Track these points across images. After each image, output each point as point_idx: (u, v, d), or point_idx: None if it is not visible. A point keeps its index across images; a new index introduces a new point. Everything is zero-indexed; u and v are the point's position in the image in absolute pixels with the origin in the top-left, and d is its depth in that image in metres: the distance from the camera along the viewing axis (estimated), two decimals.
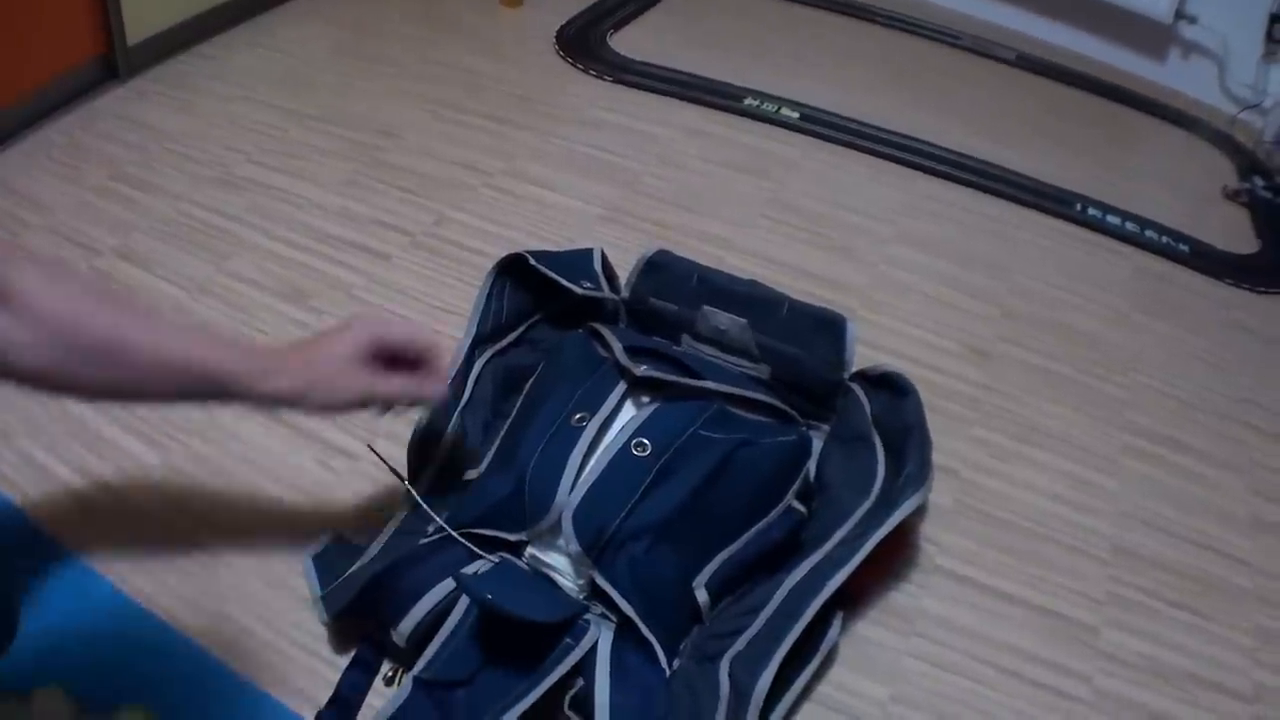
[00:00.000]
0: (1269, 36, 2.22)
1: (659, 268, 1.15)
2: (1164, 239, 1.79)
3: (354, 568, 0.90)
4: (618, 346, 0.99)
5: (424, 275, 1.43)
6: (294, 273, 1.42)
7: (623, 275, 1.19)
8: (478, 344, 1.04)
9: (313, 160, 1.66)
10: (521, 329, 1.09)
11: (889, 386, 1.07)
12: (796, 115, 1.92)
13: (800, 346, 1.10)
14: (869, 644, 1.02)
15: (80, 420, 1.15)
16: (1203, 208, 1.93)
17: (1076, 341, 1.48)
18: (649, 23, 2.27)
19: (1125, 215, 1.82)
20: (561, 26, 2.16)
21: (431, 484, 0.95)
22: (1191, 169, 2.09)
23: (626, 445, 0.90)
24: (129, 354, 0.73)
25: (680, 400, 0.95)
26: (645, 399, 0.97)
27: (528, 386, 1.05)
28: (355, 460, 1.12)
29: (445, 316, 1.35)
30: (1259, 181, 2.06)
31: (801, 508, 0.98)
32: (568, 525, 0.84)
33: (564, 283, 1.05)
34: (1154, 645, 1.07)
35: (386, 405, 0.84)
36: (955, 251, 1.63)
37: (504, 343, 1.06)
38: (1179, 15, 2.25)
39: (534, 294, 1.09)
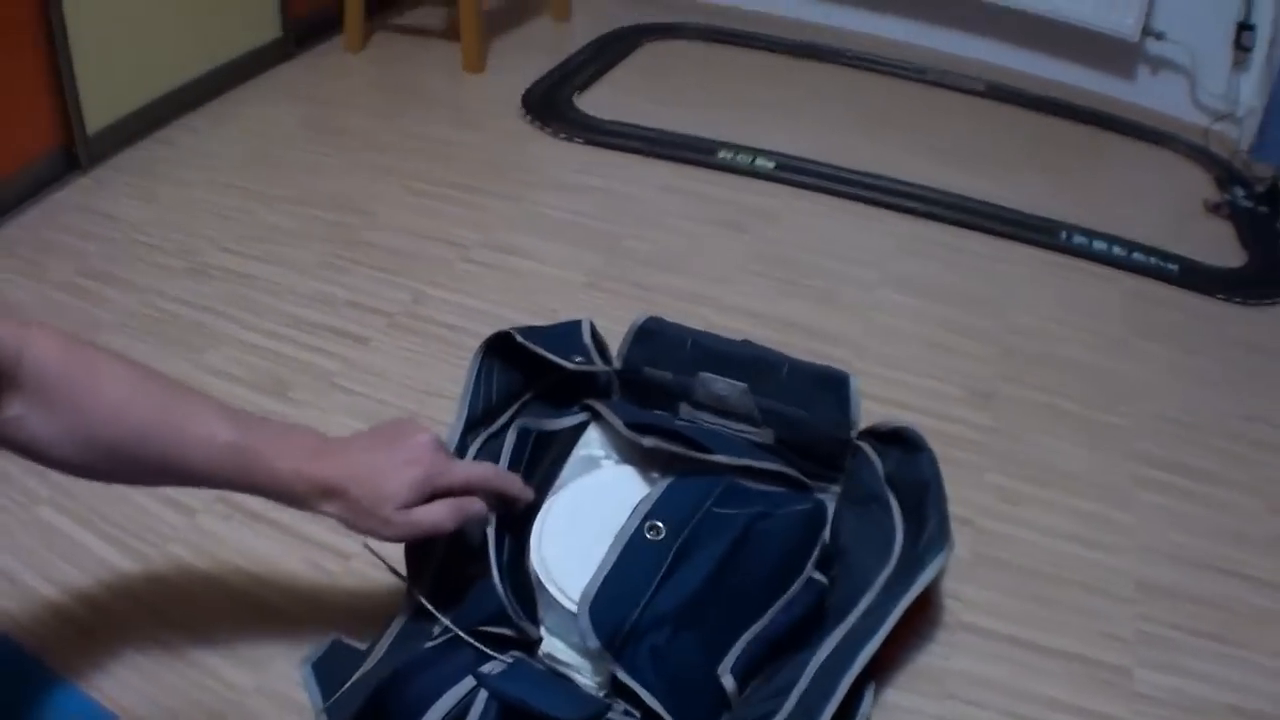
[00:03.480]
0: (1237, 44, 2.23)
1: (651, 335, 1.12)
2: (1151, 260, 1.78)
3: (357, 675, 0.86)
4: (618, 423, 0.96)
5: (405, 358, 1.39)
6: (272, 363, 1.38)
7: (612, 344, 1.16)
8: (469, 429, 1.00)
9: (284, 243, 1.63)
10: (514, 409, 1.05)
11: (900, 442, 1.04)
12: (772, 165, 1.90)
13: (803, 407, 1.07)
14: (901, 712, 0.98)
15: (52, 528, 1.11)
16: (1186, 224, 1.93)
17: (1077, 374, 1.46)
18: (614, 81, 2.26)
19: (1110, 239, 1.81)
20: (527, 90, 2.15)
21: (434, 583, 0.91)
22: (1170, 186, 2.09)
23: (639, 529, 0.87)
24: (150, 449, 0.76)
25: (690, 476, 0.92)
26: (654, 475, 0.94)
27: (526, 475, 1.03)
28: (348, 560, 1.08)
29: (431, 400, 1.31)
30: (1239, 192, 2.05)
31: (822, 577, 0.94)
32: (585, 621, 0.80)
33: (555, 359, 1.02)
34: (1189, 680, 1.03)
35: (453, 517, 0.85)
36: (945, 292, 1.61)
37: (496, 425, 1.03)
38: (1146, 32, 2.26)
39: (523, 371, 1.06)
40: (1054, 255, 1.75)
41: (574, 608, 0.83)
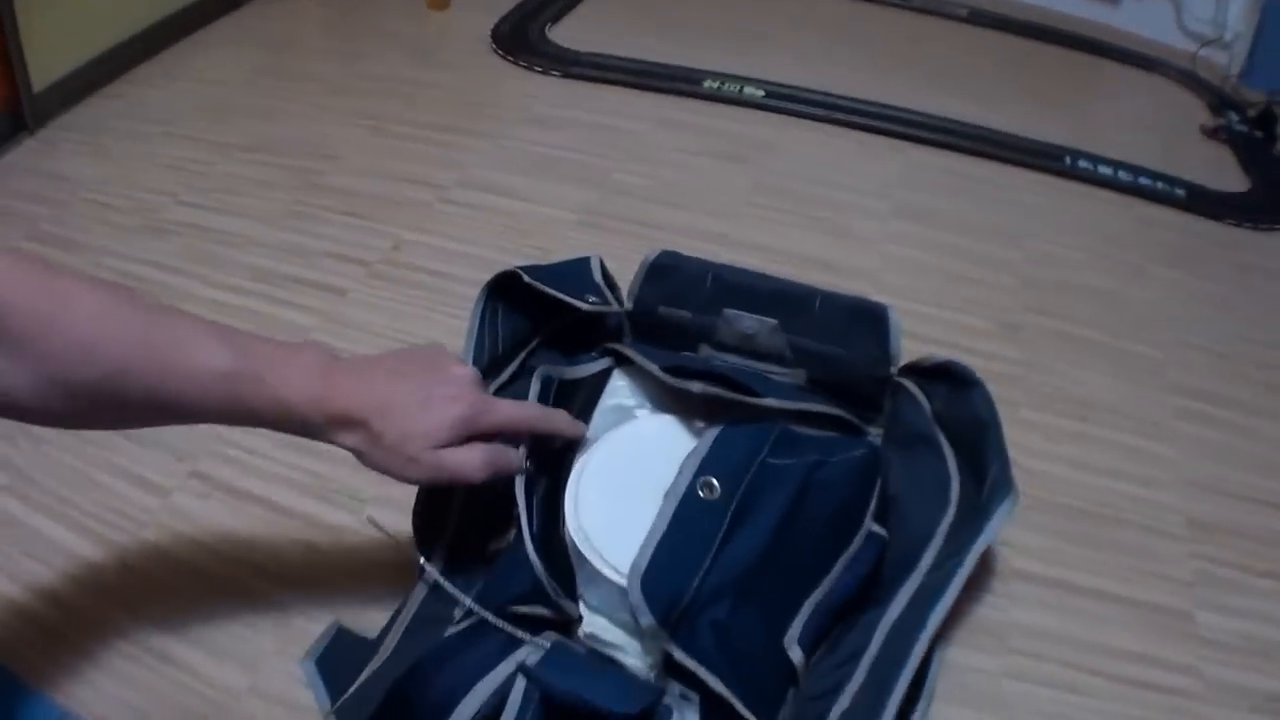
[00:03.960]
0: None
1: (665, 271, 1.00)
2: (1158, 185, 1.68)
3: (369, 671, 0.74)
4: (653, 367, 0.84)
5: (388, 308, 1.26)
6: (242, 321, 1.23)
7: (621, 284, 1.04)
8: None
9: (247, 194, 1.48)
10: (522, 356, 0.93)
11: (948, 378, 0.93)
12: (761, 94, 1.77)
13: (838, 344, 0.95)
14: (964, 671, 0.88)
15: (12, 519, 0.97)
16: (1184, 149, 1.84)
17: (1101, 303, 1.37)
18: (586, 13, 2.11)
19: (1115, 164, 1.71)
20: (495, 24, 2.00)
21: (448, 559, 0.79)
22: (1164, 111, 2.00)
23: (692, 487, 0.75)
24: (134, 387, 0.64)
25: (739, 424, 0.81)
26: (698, 424, 0.83)
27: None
28: (345, 535, 0.96)
29: None
30: (1233, 116, 1.96)
31: (881, 530, 0.83)
32: (637, 595, 0.68)
33: (568, 300, 0.90)
34: (1253, 622, 0.95)
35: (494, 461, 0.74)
36: (958, 221, 1.50)
37: (504, 375, 0.90)
38: None
39: (530, 315, 0.94)
40: (1062, 180, 1.65)
41: (622, 581, 0.71)
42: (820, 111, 1.75)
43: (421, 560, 0.78)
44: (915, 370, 0.97)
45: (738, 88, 1.79)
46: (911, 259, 1.40)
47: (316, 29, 2.04)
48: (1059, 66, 2.10)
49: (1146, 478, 1.10)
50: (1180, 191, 1.68)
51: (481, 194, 1.48)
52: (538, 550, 0.72)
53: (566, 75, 1.82)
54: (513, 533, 0.79)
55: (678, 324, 0.99)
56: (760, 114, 1.73)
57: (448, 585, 0.74)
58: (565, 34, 1.99)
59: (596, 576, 0.73)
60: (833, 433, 0.88)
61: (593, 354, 0.94)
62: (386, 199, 1.47)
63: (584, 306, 0.91)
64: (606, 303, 0.94)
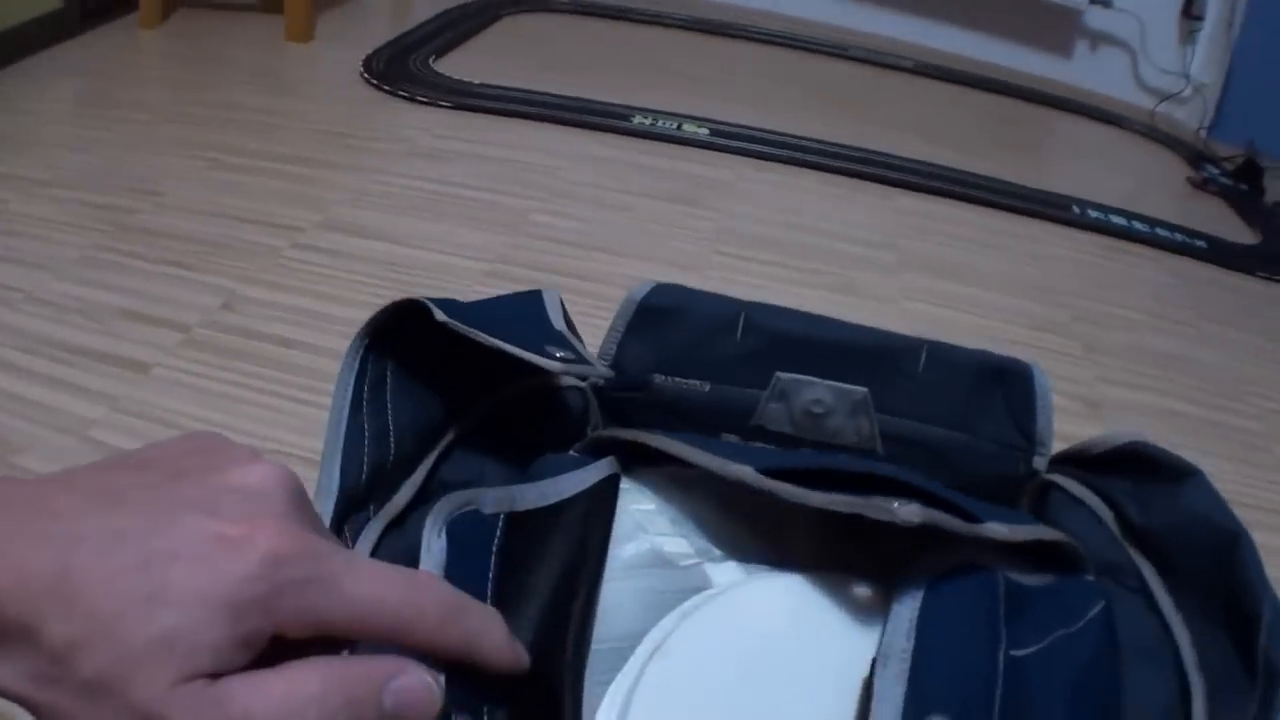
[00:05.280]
0: (1186, 13, 1.88)
1: (662, 318, 0.58)
2: (1177, 236, 1.37)
3: None
4: (748, 472, 0.42)
5: (205, 390, 0.81)
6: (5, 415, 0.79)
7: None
8: (348, 508, 0.43)
9: (38, 237, 1.02)
10: (429, 463, 0.49)
11: (1139, 470, 0.52)
12: (705, 131, 1.39)
13: (953, 425, 0.55)
14: None
15: None
16: (1180, 201, 1.55)
17: (1174, 367, 1.03)
18: (478, 48, 1.70)
19: (1128, 214, 1.39)
20: (369, 55, 1.58)
21: None
22: (1141, 163, 1.72)
23: None
24: None
25: (946, 584, 0.38)
26: (854, 588, 0.40)
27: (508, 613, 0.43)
28: None
29: None
30: (1213, 170, 1.69)
31: None
32: None
33: (520, 353, 0.47)
34: None
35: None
36: (981, 275, 1.13)
37: (400, 502, 0.46)
38: (1093, 0, 1.88)
39: (442, 390, 0.51)
40: (1076, 231, 1.31)
41: None
42: (781, 152, 1.37)
43: None
44: (1078, 461, 0.56)
45: (675, 124, 1.40)
46: (943, 319, 1.02)
47: (156, 58, 1.59)
48: (1018, 117, 1.81)
49: None
50: (1201, 244, 1.37)
51: (349, 238, 1.04)
52: None
53: (459, 107, 1.40)
54: None
55: (685, 402, 0.57)
56: (705, 153, 1.35)
57: None
58: (454, 66, 1.58)
59: None
60: (1049, 576, 0.46)
61: (570, 454, 0.51)
62: (219, 244, 1.02)
63: (551, 365, 0.48)
64: (582, 359, 0.52)
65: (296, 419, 0.78)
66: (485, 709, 0.32)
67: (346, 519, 0.44)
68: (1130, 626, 0.47)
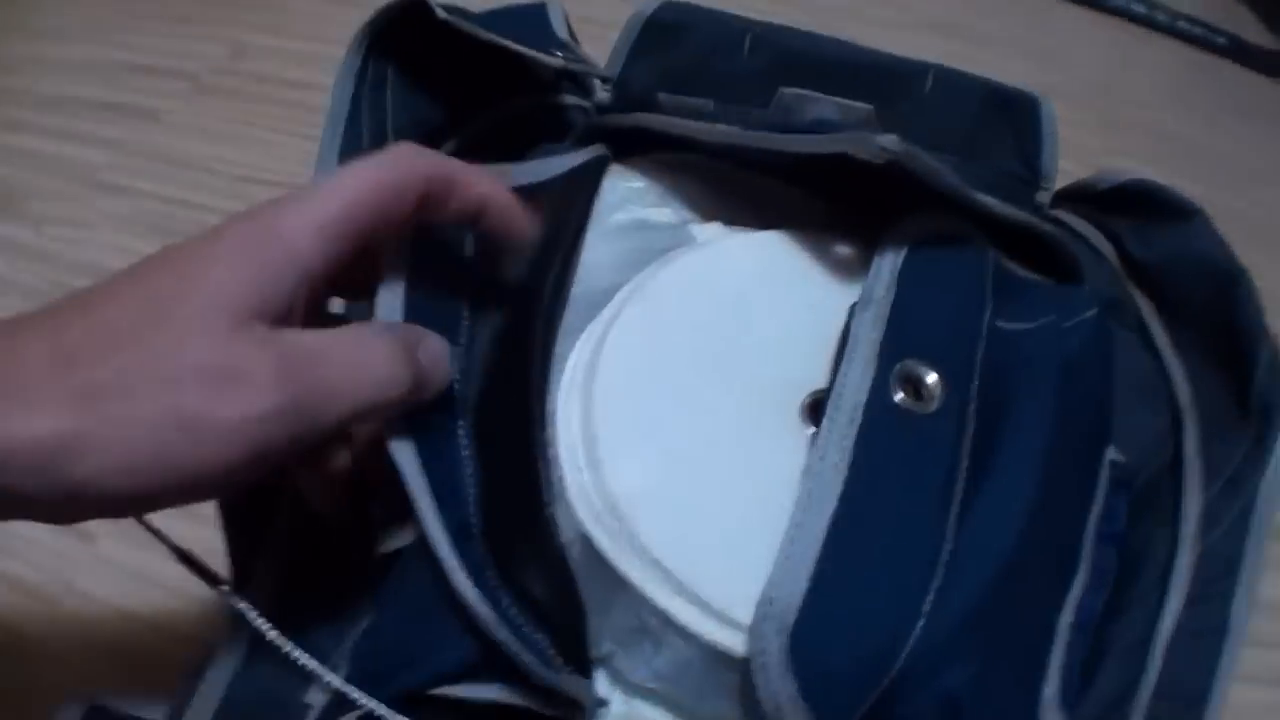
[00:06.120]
0: None
1: (669, 34, 0.56)
2: (1197, 29, 1.31)
3: None
4: (734, 131, 0.41)
5: (217, 132, 0.80)
6: (10, 169, 0.78)
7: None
8: None
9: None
10: None
11: (1141, 208, 0.51)
12: None
13: (958, 151, 0.53)
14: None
15: None
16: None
17: (1185, 151, 1.03)
18: None
19: (1150, 3, 1.32)
20: None
21: (286, 587, 0.32)
22: None
23: (882, 385, 0.31)
24: None
25: (930, 247, 0.38)
26: (837, 247, 0.40)
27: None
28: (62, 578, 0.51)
29: (259, 190, 0.73)
30: None
31: (1123, 457, 0.42)
32: (782, 679, 0.25)
33: (524, 50, 0.45)
34: None
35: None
36: (999, 40, 1.12)
37: None
38: None
39: (442, 93, 0.50)
40: (1094, 13, 1.27)
41: (737, 641, 0.28)
42: None
43: (235, 601, 0.31)
44: (1081, 197, 0.55)
45: None
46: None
47: None
48: None
49: None
50: (1221, 39, 1.31)
51: None
52: (480, 567, 0.28)
53: None
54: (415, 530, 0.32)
55: (691, 119, 0.55)
56: None
57: (298, 653, 0.28)
58: None
59: (655, 623, 0.29)
60: (1036, 276, 0.46)
61: (564, 144, 0.50)
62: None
63: (553, 61, 0.47)
64: (582, 61, 0.50)
65: (301, 152, 0.76)
66: (465, 325, 0.32)
67: None
68: (1125, 362, 0.47)
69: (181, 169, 0.76)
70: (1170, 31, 1.28)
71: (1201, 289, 0.47)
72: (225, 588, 0.29)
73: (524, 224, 0.34)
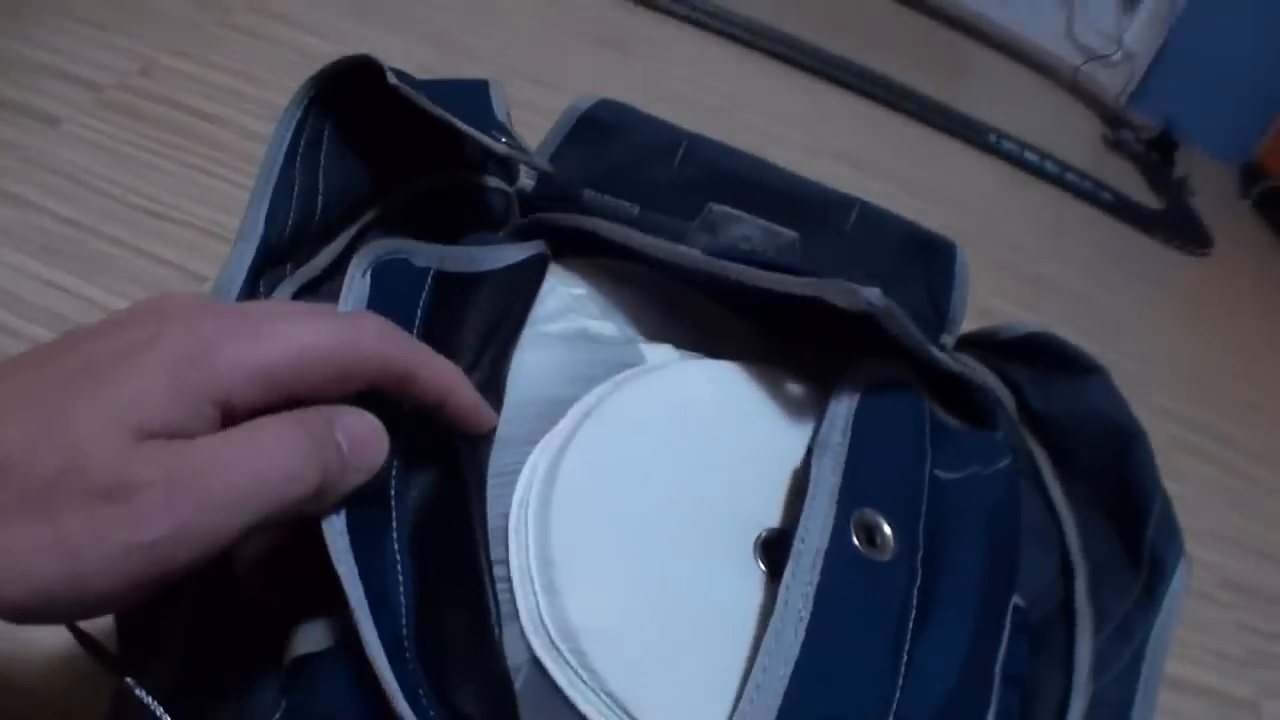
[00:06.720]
0: None
1: (602, 132, 0.57)
2: (1085, 184, 1.39)
3: None
4: (694, 254, 0.40)
5: (114, 150, 0.76)
6: None
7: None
8: (266, 264, 0.41)
9: None
10: (352, 232, 0.47)
11: (1042, 360, 0.54)
12: None
13: (879, 285, 0.54)
14: None
15: None
16: (1092, 155, 1.58)
17: (1066, 298, 1.07)
18: None
19: (1042, 154, 1.40)
20: None
21: (188, 681, 0.30)
22: (1062, 113, 1.73)
23: (842, 531, 0.31)
24: None
25: (878, 393, 0.38)
26: (788, 384, 0.39)
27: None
28: None
29: (159, 226, 0.70)
30: (1129, 135, 1.72)
31: (1024, 602, 0.43)
32: None
33: (470, 130, 0.45)
34: None
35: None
36: (897, 176, 1.14)
37: (319, 264, 0.44)
38: None
39: (376, 162, 0.48)
40: (988, 158, 1.33)
41: None
42: (703, 17, 1.34)
43: (142, 695, 0.28)
44: (985, 344, 0.57)
45: None
46: None
47: None
48: (947, 42, 1.80)
49: None
50: (1107, 196, 1.40)
51: (276, 25, 0.98)
52: (414, 684, 0.27)
53: None
54: (333, 634, 0.30)
55: (612, 219, 0.55)
56: (638, 7, 1.31)
57: None
58: None
59: None
60: (953, 419, 0.47)
61: (499, 235, 0.49)
62: (142, 9, 0.95)
63: (496, 146, 0.46)
64: (521, 148, 0.49)
65: (201, 189, 0.73)
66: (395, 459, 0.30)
67: (263, 271, 0.42)
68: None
69: (76, 185, 0.72)
70: (1058, 182, 1.36)
71: (1098, 444, 0.49)
72: (130, 681, 0.27)
73: (484, 422, 0.33)
